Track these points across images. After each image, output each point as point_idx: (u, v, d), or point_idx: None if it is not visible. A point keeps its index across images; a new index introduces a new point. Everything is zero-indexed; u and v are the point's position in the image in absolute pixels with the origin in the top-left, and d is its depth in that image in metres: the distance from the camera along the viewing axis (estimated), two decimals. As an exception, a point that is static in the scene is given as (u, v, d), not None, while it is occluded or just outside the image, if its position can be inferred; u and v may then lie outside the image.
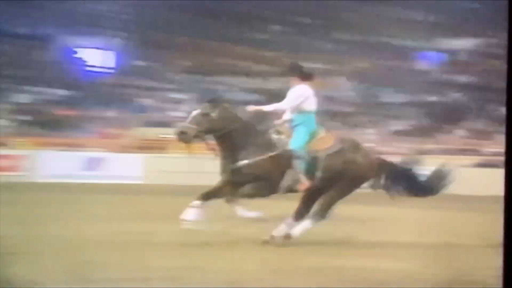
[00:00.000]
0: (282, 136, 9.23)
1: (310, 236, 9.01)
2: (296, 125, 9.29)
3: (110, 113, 32.77)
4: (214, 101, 9.33)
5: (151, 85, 34.76)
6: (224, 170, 9.24)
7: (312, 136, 9.22)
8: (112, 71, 35.23)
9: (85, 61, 35.09)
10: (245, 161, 9.04)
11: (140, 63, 35.53)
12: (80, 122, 30.39)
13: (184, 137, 9.12)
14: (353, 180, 9.18)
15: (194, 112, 9.27)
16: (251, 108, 9.46)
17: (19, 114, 31.02)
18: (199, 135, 9.18)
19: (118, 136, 29.73)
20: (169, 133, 27.97)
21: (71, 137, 27.95)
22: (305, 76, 9.47)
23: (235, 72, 36.18)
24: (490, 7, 27.59)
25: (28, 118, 30.97)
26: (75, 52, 35.04)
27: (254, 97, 34.70)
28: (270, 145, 9.19)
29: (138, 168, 25.11)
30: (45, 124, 30.42)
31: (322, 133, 9.33)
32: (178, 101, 34.53)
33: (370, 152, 9.74)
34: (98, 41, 35.40)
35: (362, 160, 9.23)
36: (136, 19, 36.21)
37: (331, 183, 9.11)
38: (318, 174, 9.04)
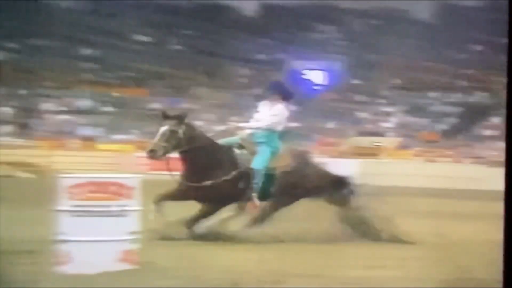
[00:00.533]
0: (244, 151, 8.99)
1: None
2: (259, 143, 8.98)
3: (330, 125, 36.33)
4: (179, 118, 8.88)
5: (365, 100, 38.07)
6: (182, 187, 8.87)
7: (274, 154, 8.97)
8: (332, 89, 38.91)
9: (310, 81, 39.10)
10: (208, 182, 8.76)
11: (356, 81, 39.10)
12: (305, 132, 32.10)
13: (153, 155, 8.76)
14: (305, 192, 9.04)
15: (162, 129, 8.78)
16: (244, 132, 9.08)
17: (255, 125, 35.66)
18: (168, 152, 8.81)
19: (336, 144, 32.09)
20: (381, 142, 30.91)
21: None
22: (286, 96, 9.18)
23: (438, 87, 38.96)
24: None
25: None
26: (303, 74, 39.33)
27: (455, 109, 38.29)
28: (233, 162, 8.92)
29: (353, 171, 27.16)
30: (275, 134, 34.79)
31: (282, 150, 9.08)
32: (388, 114, 38.02)
33: (321, 168, 9.44)
34: (321, 64, 39.43)
35: (312, 176, 9.11)
36: (352, 44, 40.54)
37: (285, 196, 9.02)
38: (273, 189, 8.92)
